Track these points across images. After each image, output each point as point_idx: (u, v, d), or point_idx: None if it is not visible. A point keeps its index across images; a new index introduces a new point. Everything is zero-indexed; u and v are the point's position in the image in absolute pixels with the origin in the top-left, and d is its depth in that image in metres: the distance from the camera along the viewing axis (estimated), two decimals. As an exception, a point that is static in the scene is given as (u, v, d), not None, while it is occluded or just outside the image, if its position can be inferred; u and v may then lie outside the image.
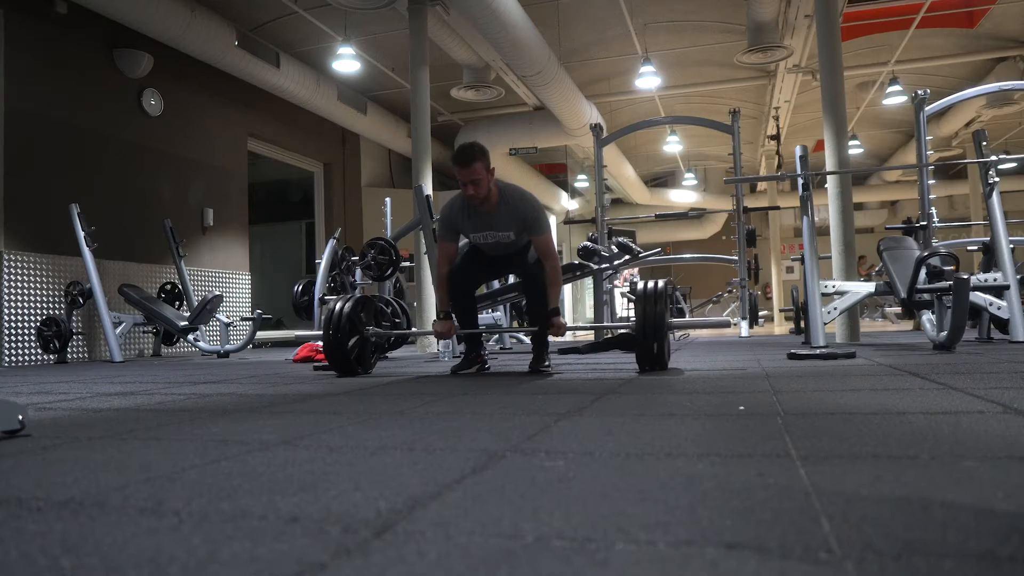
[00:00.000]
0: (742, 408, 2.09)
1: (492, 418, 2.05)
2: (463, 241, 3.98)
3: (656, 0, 9.13)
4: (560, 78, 9.64)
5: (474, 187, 3.63)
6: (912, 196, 19.79)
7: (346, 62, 8.86)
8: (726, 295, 15.20)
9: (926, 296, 4.54)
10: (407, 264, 7.16)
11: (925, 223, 5.92)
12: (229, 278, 9.55)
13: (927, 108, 6.14)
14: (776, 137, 12.53)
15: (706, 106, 12.94)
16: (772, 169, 15.14)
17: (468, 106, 11.93)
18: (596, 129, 8.50)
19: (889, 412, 1.89)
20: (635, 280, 12.22)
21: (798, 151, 5.71)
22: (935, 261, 4.33)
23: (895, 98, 11.57)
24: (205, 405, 2.65)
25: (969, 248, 6.57)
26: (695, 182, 18.06)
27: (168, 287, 8.09)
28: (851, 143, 12.92)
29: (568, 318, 16.00)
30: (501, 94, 10.48)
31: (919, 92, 6.14)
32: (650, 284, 3.53)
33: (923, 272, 4.57)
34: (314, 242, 12.39)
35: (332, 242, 6.36)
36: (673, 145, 14.41)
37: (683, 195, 18.35)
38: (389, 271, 5.64)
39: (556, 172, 16.39)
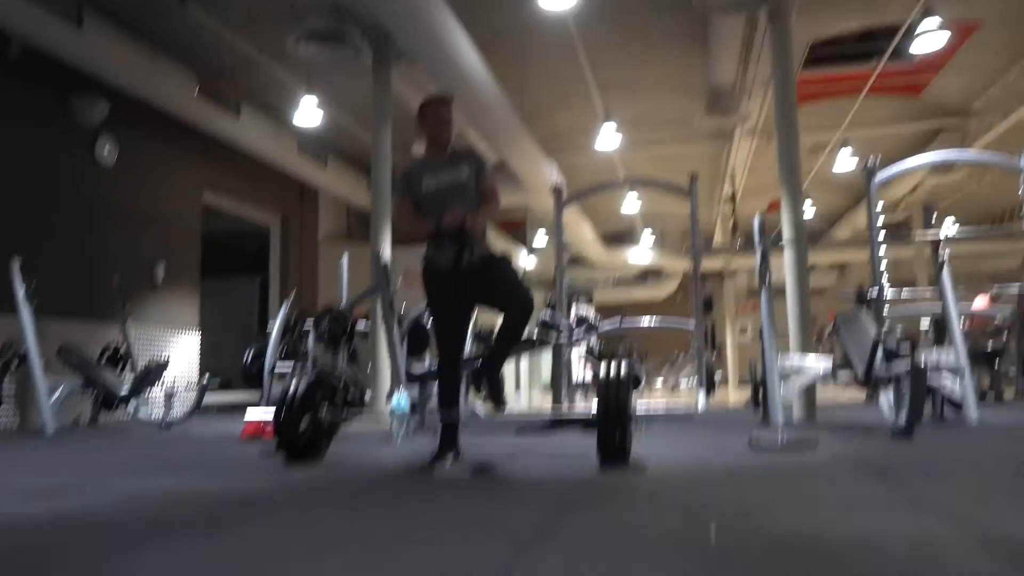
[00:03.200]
0: (713, 528, 1.98)
1: (450, 546, 1.92)
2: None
3: (617, 61, 9.28)
4: (522, 138, 9.70)
5: (447, 127, 3.72)
6: (861, 258, 20.31)
7: (308, 112, 8.74)
8: (681, 357, 15.30)
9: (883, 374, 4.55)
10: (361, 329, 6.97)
11: (878, 293, 6.01)
12: (177, 336, 9.25)
13: (878, 177, 6.26)
14: (732, 198, 12.76)
15: (664, 163, 13.12)
16: (727, 228, 15.41)
17: (429, 161, 11.88)
18: (557, 192, 8.48)
19: (869, 545, 1.81)
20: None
21: (756, 221, 5.76)
22: (891, 343, 4.36)
23: (846, 164, 11.95)
24: (134, 513, 2.45)
25: (923, 323, 6.67)
26: (652, 240, 18.26)
27: (111, 348, 7.74)
28: (803, 206, 13.20)
29: (524, 386, 15.85)
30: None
31: (870, 160, 6.24)
32: (612, 368, 3.43)
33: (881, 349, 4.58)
34: (268, 297, 12.11)
35: (285, 307, 6.18)
36: (631, 203, 14.58)
37: (640, 254, 18.52)
38: (343, 341, 5.48)
39: (514, 228, 16.43)
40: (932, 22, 7.08)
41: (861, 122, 11.11)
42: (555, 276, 8.48)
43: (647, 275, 20.20)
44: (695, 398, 8.20)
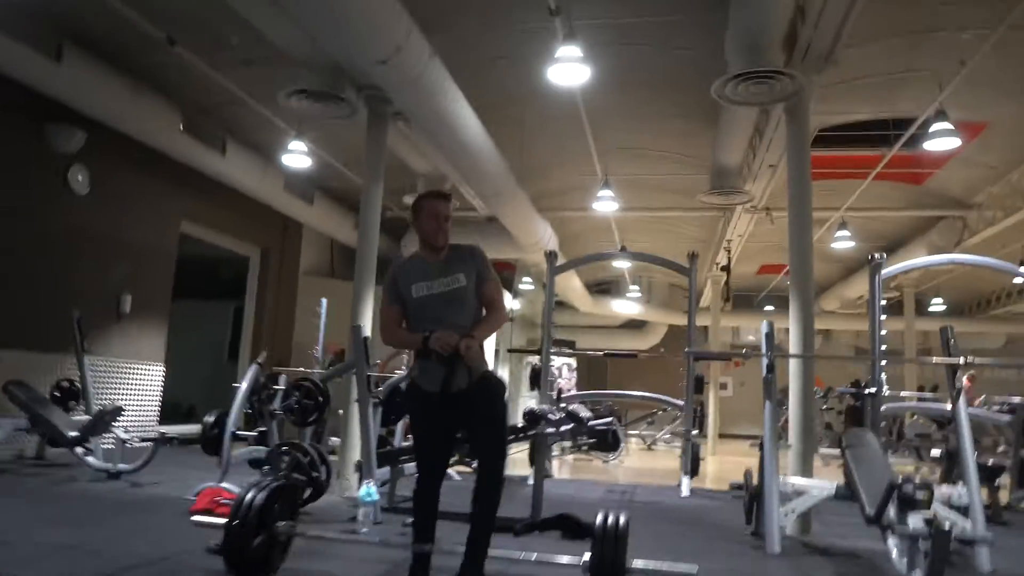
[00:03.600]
0: None
1: None
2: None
3: (620, 126, 9.02)
4: (517, 198, 9.43)
5: (444, 224, 3.31)
6: (847, 327, 20.23)
7: (297, 157, 8.41)
8: (660, 414, 14.96)
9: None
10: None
11: (876, 391, 5.70)
12: (140, 370, 8.77)
13: (883, 272, 6.02)
14: (727, 267, 12.54)
15: (661, 225, 12.89)
16: (718, 292, 15.16)
17: (420, 207, 11.55)
18: (550, 257, 8.15)
19: None
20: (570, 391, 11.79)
21: (763, 328, 5.44)
22: (908, 490, 4.02)
23: (842, 243, 11.78)
24: None
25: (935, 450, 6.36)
26: (639, 294, 18.00)
27: (65, 384, 7.27)
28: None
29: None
30: (456, 205, 10.16)
31: (875, 256, 5.99)
32: (610, 519, 3.08)
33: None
34: (241, 324, 11.63)
35: (254, 367, 5.73)
36: (620, 260, 14.31)
37: (626, 305, 18.24)
38: (313, 417, 5.07)
39: (502, 269, 16.13)
40: (943, 126, 6.96)
41: (860, 204, 10.92)
42: (541, 342, 8.14)
43: (632, 324, 19.94)
44: (679, 473, 7.81)
